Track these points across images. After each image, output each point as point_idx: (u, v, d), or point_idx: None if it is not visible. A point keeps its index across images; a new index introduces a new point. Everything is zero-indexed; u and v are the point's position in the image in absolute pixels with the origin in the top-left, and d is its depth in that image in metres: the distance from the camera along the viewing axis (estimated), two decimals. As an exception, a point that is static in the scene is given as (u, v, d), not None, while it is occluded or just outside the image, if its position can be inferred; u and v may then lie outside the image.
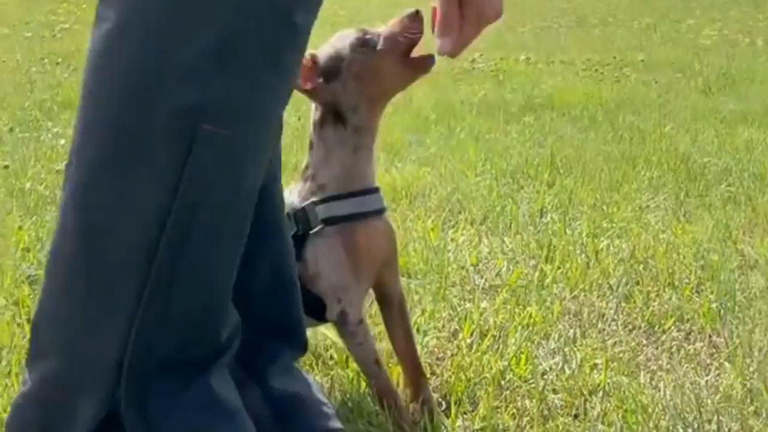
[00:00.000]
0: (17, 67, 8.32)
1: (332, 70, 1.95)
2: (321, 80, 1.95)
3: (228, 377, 1.67)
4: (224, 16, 1.49)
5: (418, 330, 2.42)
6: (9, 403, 2.00)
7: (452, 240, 3.27)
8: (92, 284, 1.57)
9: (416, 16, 1.93)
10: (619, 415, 2.00)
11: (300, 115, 5.47)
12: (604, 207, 3.69)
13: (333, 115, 1.96)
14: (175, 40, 1.49)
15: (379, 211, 1.99)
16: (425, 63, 1.94)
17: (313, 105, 1.99)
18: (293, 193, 2.00)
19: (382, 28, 1.96)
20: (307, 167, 2.00)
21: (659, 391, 2.13)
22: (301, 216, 1.96)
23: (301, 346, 1.91)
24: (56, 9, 13.66)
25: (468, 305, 2.63)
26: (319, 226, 1.95)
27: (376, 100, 1.97)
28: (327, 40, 2.00)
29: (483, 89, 7.15)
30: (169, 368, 1.58)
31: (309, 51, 1.95)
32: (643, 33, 11.99)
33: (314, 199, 1.96)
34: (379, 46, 1.94)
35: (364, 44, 1.94)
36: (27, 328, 2.39)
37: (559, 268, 2.94)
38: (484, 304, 2.65)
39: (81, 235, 1.56)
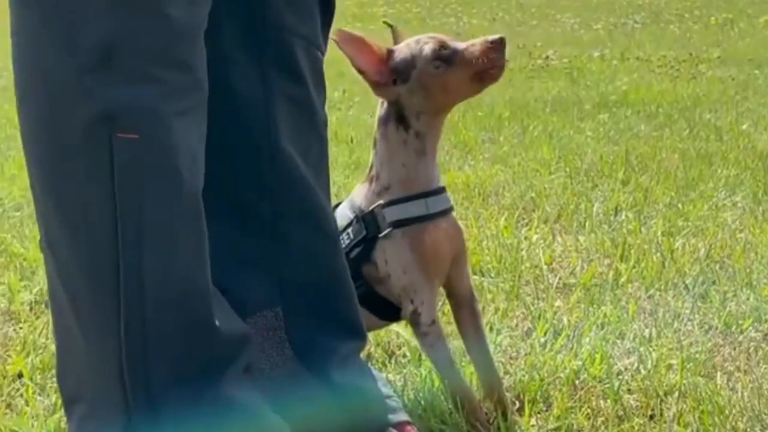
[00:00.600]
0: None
1: (403, 72, 1.95)
2: (390, 78, 1.95)
3: (249, 386, 1.65)
4: (98, 21, 1.47)
5: (491, 329, 2.41)
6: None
7: (526, 238, 3.26)
8: (80, 319, 1.57)
9: (499, 44, 1.91)
10: (696, 417, 1.98)
11: (371, 113, 5.48)
12: (680, 205, 3.65)
13: (396, 116, 1.97)
14: (59, 54, 1.49)
15: (446, 211, 1.99)
16: (494, 75, 1.92)
17: (379, 101, 1.99)
18: (359, 195, 2.00)
19: (462, 43, 1.95)
20: (371, 166, 2.00)
21: (736, 392, 2.10)
22: (370, 219, 1.96)
23: (360, 336, 1.90)
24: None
25: (542, 304, 2.62)
26: (388, 229, 1.95)
27: (441, 109, 1.97)
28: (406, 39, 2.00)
29: (557, 86, 7.12)
30: (173, 381, 1.57)
31: (387, 46, 1.97)
32: (720, 29, 11.88)
33: (381, 201, 1.96)
34: (454, 64, 1.93)
35: (439, 58, 1.93)
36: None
37: (634, 267, 2.92)
38: (558, 303, 2.64)
39: (53, 269, 1.58)
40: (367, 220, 1.97)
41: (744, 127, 5.32)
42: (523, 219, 3.54)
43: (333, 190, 3.63)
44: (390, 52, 1.96)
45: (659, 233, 3.27)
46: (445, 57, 1.93)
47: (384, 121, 1.98)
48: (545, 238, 3.26)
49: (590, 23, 12.70)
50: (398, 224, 1.95)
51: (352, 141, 5.16)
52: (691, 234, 3.29)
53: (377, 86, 1.96)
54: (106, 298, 1.53)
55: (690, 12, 14.42)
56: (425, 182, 1.97)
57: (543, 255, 3.06)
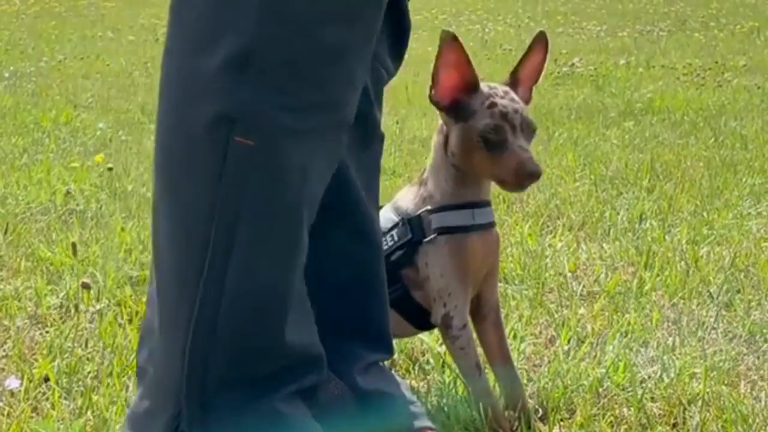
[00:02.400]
0: (121, 70, 8.47)
1: (461, 112, 1.94)
2: (451, 105, 1.94)
3: (301, 406, 1.65)
4: (246, 28, 1.51)
5: (514, 336, 2.41)
6: (110, 402, 2.04)
7: (550, 245, 3.26)
8: (162, 300, 1.61)
9: (532, 178, 1.99)
10: (719, 425, 1.98)
11: (398, 119, 5.48)
12: (705, 214, 3.65)
13: (444, 137, 1.97)
14: (201, 51, 1.54)
15: (490, 225, 2.00)
16: (511, 189, 2.01)
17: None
18: (405, 199, 2.01)
19: (513, 137, 1.94)
20: (424, 170, 2.02)
21: (760, 401, 2.10)
22: (416, 223, 1.98)
23: (387, 349, 1.91)
24: (159, 13, 13.86)
25: (565, 311, 2.62)
26: (433, 235, 1.96)
27: (468, 169, 1.97)
28: None
29: (582, 94, 7.12)
30: (229, 385, 1.59)
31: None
32: (746, 37, 11.83)
33: (428, 207, 1.97)
34: (490, 156, 1.93)
35: (484, 139, 1.92)
36: (129, 328, 2.43)
37: (658, 275, 2.92)
38: (581, 311, 2.64)
39: (153, 246, 1.64)
40: (413, 224, 1.98)
41: (770, 135, 5.31)
42: (548, 226, 3.54)
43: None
44: (475, 85, 1.93)
45: (684, 241, 3.27)
46: (489, 142, 1.90)
47: (438, 132, 2.00)
48: (569, 246, 3.26)
49: (616, 31, 12.68)
50: (443, 231, 1.96)
51: (377, 147, 5.16)
52: (716, 242, 3.28)
53: (434, 103, 1.95)
54: (187, 288, 1.56)
55: (716, 20, 14.37)
56: (473, 194, 1.98)
57: (567, 262, 3.06)
